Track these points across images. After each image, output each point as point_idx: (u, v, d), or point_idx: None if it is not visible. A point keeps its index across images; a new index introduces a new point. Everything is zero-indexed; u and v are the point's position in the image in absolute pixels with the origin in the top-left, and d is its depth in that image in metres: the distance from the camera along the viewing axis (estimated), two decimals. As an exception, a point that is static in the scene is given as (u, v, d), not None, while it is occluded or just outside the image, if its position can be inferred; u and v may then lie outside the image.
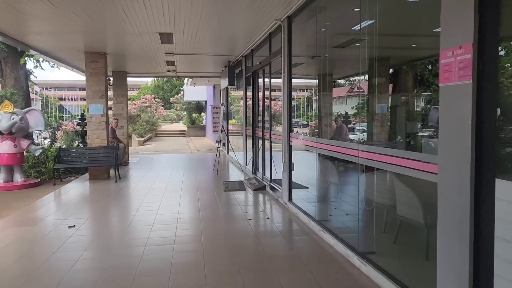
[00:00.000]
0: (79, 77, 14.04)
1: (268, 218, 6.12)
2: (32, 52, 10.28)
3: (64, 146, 11.65)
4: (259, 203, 7.30)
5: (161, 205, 7.01)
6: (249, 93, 10.50)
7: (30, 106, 13.85)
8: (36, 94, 54.25)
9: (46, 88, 49.67)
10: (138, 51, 10.16)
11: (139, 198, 7.71)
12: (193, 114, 32.74)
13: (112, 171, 10.26)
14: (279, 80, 7.01)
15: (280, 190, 7.20)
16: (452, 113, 2.57)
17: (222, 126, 11.90)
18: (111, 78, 14.12)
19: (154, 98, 32.76)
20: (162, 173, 10.88)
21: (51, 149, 10.90)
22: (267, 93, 8.50)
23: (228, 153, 14.61)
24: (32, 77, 16.12)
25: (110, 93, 14.46)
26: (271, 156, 8.25)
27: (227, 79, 11.83)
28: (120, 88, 14.02)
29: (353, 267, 4.14)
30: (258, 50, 9.43)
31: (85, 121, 10.85)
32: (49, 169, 10.11)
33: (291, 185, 6.76)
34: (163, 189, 8.41)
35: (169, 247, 4.74)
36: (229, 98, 15.93)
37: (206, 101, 27.47)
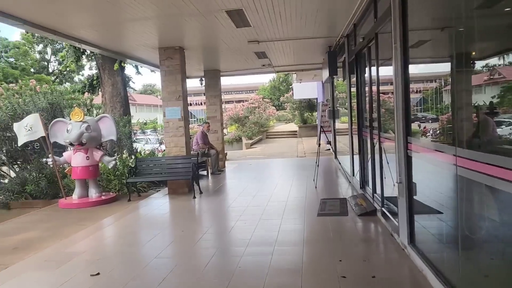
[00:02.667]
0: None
1: (374, 277, 3.79)
2: (107, 54, 9.42)
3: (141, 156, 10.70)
4: (364, 243, 4.93)
5: (226, 239, 5.17)
6: (354, 84, 8.11)
7: (130, 113, 13.40)
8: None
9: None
10: (216, 41, 8.57)
11: (204, 226, 6.04)
12: (305, 113, 30.69)
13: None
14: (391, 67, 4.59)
15: (396, 223, 4.78)
16: None
17: (322, 127, 9.65)
18: (204, 79, 13.02)
19: (262, 98, 31.56)
20: (252, 185, 9.10)
21: (127, 160, 9.90)
22: (375, 85, 6.08)
23: (335, 157, 12.28)
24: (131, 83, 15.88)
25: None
26: (381, 166, 5.83)
27: (328, 69, 9.58)
28: (212, 88, 12.77)
29: None
30: (362, 26, 7.03)
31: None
32: (120, 183, 9.15)
33: (412, 218, 4.30)
34: (241, 211, 6.57)
35: None
36: (336, 92, 13.49)
37: (316, 99, 25.16)
